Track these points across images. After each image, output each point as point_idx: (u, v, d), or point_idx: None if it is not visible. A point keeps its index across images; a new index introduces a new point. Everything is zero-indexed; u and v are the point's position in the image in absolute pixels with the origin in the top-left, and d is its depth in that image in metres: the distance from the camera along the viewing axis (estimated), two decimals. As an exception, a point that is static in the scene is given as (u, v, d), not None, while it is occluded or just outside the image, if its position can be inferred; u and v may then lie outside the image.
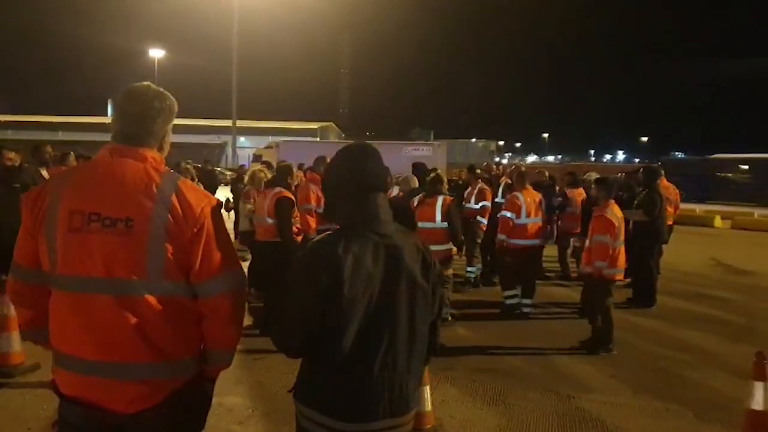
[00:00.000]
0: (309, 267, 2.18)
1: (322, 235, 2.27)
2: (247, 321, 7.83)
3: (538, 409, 5.24)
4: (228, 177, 27.51)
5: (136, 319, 2.12)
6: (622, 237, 6.92)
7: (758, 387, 3.73)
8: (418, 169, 9.82)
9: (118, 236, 2.12)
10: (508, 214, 8.34)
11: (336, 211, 2.33)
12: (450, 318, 7.78)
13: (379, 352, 2.19)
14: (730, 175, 40.77)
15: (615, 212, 6.98)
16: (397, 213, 2.46)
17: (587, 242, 7.14)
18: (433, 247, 7.08)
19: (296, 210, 7.40)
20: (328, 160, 8.59)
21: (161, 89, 2.34)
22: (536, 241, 8.44)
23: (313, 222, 8.33)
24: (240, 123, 48.04)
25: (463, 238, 7.70)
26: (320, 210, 8.27)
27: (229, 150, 50.82)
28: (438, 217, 7.33)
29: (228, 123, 47.58)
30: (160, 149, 2.32)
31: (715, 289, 10.97)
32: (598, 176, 9.11)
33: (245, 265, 8.81)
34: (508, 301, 8.51)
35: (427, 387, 4.61)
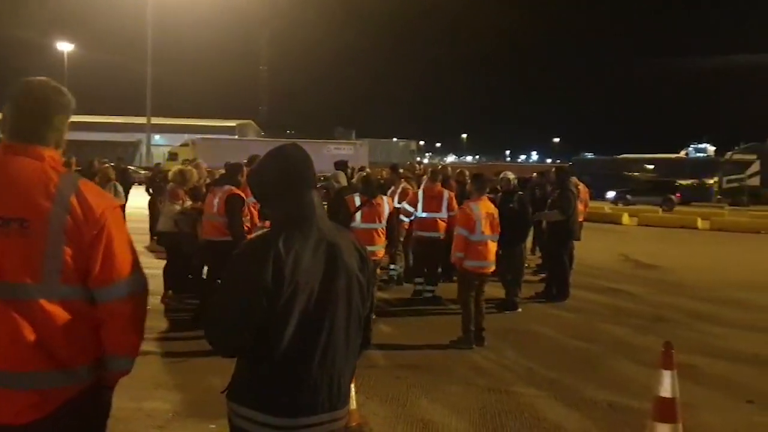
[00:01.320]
0: (250, 263, 2.17)
1: (260, 232, 2.27)
2: (164, 324, 7.66)
3: (461, 403, 5.35)
4: (142, 176, 26.70)
5: (29, 324, 2.01)
6: (486, 231, 7.07)
7: (666, 375, 3.93)
8: (341, 167, 9.86)
9: (10, 237, 2.01)
10: (409, 207, 9.21)
11: (272, 209, 2.34)
12: (374, 316, 7.83)
13: (318, 346, 2.21)
14: (636, 174, 42.72)
15: (482, 208, 7.16)
16: (333, 209, 2.51)
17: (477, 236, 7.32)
18: (374, 248, 7.22)
19: (247, 208, 7.32)
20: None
21: (59, 85, 2.25)
22: (438, 234, 9.09)
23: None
24: (155, 120, 46.66)
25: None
26: None
27: (143, 148, 49.31)
28: (385, 217, 7.43)
29: (142, 120, 46.13)
30: (57, 147, 2.20)
31: (625, 283, 11.48)
32: (513, 175, 9.41)
33: (161, 267, 8.62)
34: (417, 288, 9.28)
35: (352, 385, 4.62)
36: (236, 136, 61.79)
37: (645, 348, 7.00)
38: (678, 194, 33.52)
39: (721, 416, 5.17)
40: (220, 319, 2.19)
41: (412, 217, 9.35)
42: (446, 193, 9.28)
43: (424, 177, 11.10)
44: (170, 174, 9.20)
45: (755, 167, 38.79)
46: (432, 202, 9.12)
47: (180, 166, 9.33)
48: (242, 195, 7.17)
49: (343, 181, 9.34)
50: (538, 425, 4.94)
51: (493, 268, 7.30)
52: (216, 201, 7.21)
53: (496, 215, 7.29)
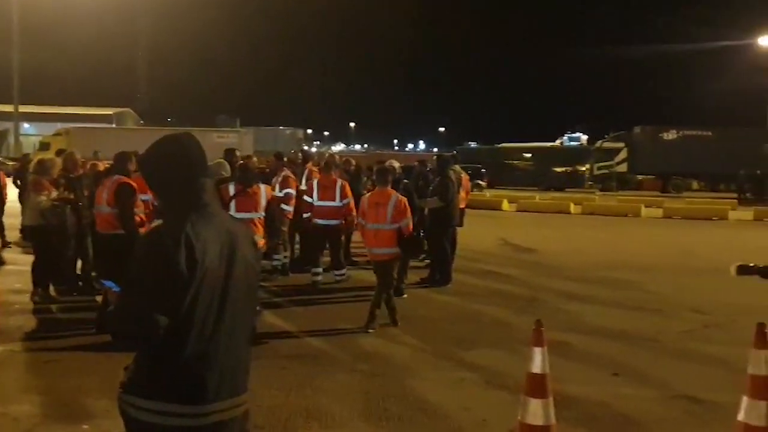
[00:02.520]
0: (163, 248, 2.14)
1: (161, 222, 2.23)
2: (33, 323, 7.24)
3: (345, 390, 5.39)
4: (10, 167, 24.98)
5: None
6: (373, 221, 7.35)
7: (537, 352, 4.12)
8: (229, 156, 9.65)
9: None
10: (308, 199, 9.49)
11: (170, 197, 2.33)
12: (258, 307, 7.71)
13: (224, 333, 2.22)
14: (515, 162, 44.41)
15: (373, 197, 7.50)
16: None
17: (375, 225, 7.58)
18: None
19: (138, 198, 7.00)
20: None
21: None
22: (334, 221, 9.41)
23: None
24: (23, 108, 43.75)
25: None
26: None
27: (11, 138, 46.13)
28: (262, 207, 7.32)
29: (9, 108, 43.14)
30: None
31: (504, 266, 11.94)
32: (398, 164, 9.57)
33: (29, 264, 8.13)
34: (315, 278, 9.34)
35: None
36: (113, 125, 58.99)
37: (521, 328, 7.32)
38: (487, 179, 35.95)
39: (589, 389, 5.49)
40: (135, 308, 2.12)
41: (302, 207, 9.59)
42: (340, 182, 9.58)
43: (307, 166, 11.06)
44: (31, 165, 8.71)
45: (623, 155, 41.30)
46: (327, 191, 9.42)
47: (41, 156, 8.83)
48: (133, 184, 6.88)
49: (227, 171, 9.13)
50: (420, 407, 5.06)
51: (386, 255, 7.38)
52: (105, 192, 6.92)
53: (393, 204, 7.39)
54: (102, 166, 9.97)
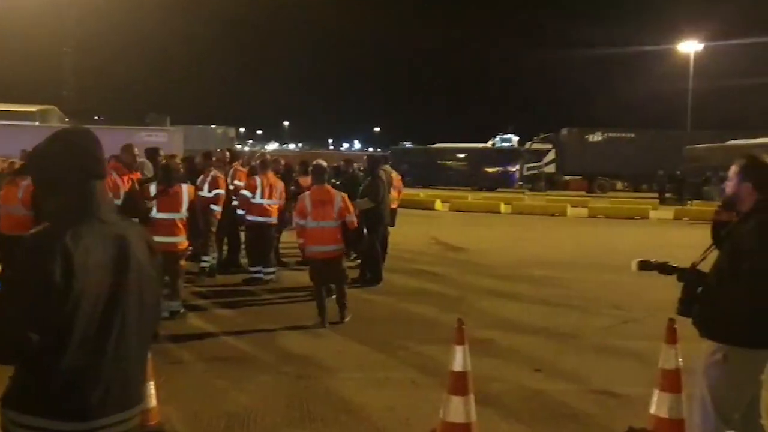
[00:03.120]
0: (36, 258, 1.97)
1: (43, 226, 2.08)
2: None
3: (268, 393, 5.33)
4: None
5: None
6: (318, 218, 7.45)
7: (458, 350, 4.17)
8: (151, 155, 9.41)
9: None
10: (247, 194, 9.57)
11: (51, 198, 2.16)
12: (182, 310, 7.56)
13: (110, 345, 2.08)
14: (449, 162, 44.98)
15: (314, 196, 7.60)
16: (128, 202, 2.37)
17: (314, 223, 7.59)
18: (174, 239, 6.98)
19: None
20: (136, 149, 8.13)
21: None
22: (270, 219, 9.64)
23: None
24: (-65, 104, 41.58)
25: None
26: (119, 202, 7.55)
27: None
28: (184, 207, 7.18)
29: None
30: None
31: (434, 265, 12.07)
32: (325, 164, 9.52)
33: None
34: (255, 276, 9.55)
35: (152, 382, 4.43)
36: (36, 123, 56.73)
37: (448, 326, 7.38)
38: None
39: (511, 385, 5.59)
40: (4, 322, 1.96)
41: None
42: (280, 183, 9.99)
43: (234, 165, 10.91)
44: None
45: (551, 156, 42.43)
46: (267, 189, 9.63)
47: None
48: None
49: (149, 171, 8.92)
50: (345, 408, 5.04)
51: (334, 251, 7.52)
52: (20, 192, 6.66)
53: (339, 201, 7.55)
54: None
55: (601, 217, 23.68)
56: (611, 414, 4.96)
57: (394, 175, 12.30)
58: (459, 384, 4.14)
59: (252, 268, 9.70)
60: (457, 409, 4.12)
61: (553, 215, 24.17)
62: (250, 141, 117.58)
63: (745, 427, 3.48)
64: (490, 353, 6.39)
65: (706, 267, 3.53)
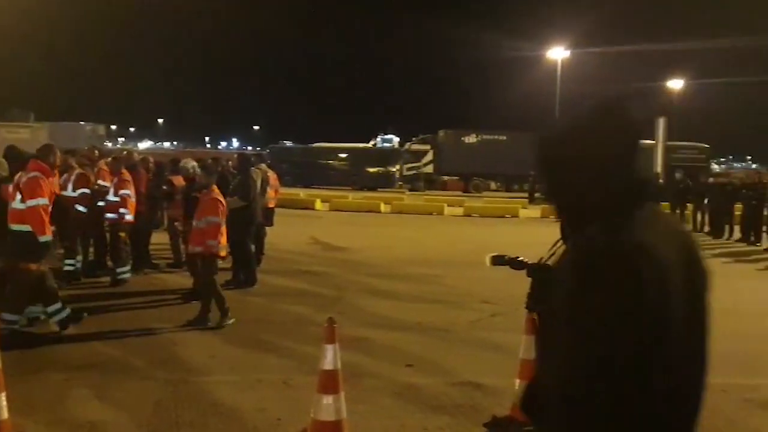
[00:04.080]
0: None
1: None
2: None
3: (135, 399, 5.14)
4: None
5: None
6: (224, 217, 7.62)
7: (328, 349, 4.21)
8: (8, 153, 8.80)
9: None
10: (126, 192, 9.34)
11: None
12: (43, 317, 7.13)
13: None
14: (330, 162, 45.02)
15: (219, 195, 7.71)
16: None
17: (196, 223, 7.57)
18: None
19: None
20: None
21: None
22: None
23: (46, 218, 6.81)
24: None
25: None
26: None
27: None
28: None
29: None
30: None
31: (313, 265, 12.05)
32: (195, 163, 9.30)
33: None
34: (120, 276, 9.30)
35: (3, 393, 4.17)
36: None
37: (323, 325, 7.41)
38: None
39: (383, 381, 5.70)
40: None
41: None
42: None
43: (98, 163, 10.40)
44: None
45: (429, 156, 43.46)
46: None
47: None
48: None
49: (7, 170, 8.34)
50: (215, 411, 4.95)
51: (214, 248, 7.59)
52: None
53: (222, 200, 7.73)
54: None
55: (475, 216, 24.52)
56: (477, 404, 5.16)
57: (271, 174, 12.16)
58: (329, 382, 4.18)
59: (119, 270, 9.35)
60: (327, 407, 4.15)
61: (431, 214, 24.77)
62: (122, 138, 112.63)
63: None
64: (364, 351, 6.48)
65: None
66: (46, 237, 6.74)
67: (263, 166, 11.78)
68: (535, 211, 25.56)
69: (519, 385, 4.64)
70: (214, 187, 7.79)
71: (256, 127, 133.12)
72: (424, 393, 5.44)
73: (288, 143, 61.45)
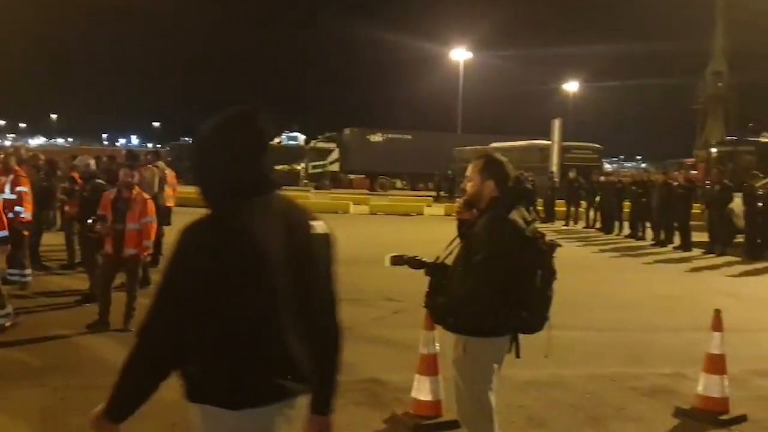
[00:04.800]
0: None
1: None
2: None
3: (20, 408, 4.87)
4: None
5: None
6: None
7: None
8: None
9: None
10: None
11: None
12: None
13: None
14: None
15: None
16: None
17: (131, 225, 7.28)
18: None
19: None
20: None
21: None
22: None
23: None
24: None
25: None
26: None
27: None
28: None
29: None
30: None
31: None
32: (92, 160, 8.93)
33: None
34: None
35: None
36: None
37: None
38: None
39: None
40: None
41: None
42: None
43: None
44: None
45: (335, 154, 43.47)
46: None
47: None
48: None
49: None
50: (107, 418, 4.76)
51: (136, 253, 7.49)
52: None
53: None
54: None
55: (381, 214, 24.73)
56: (377, 401, 5.20)
57: (169, 172, 11.82)
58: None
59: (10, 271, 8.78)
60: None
61: (336, 213, 24.77)
62: (12, 135, 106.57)
63: None
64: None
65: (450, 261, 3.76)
66: None
67: (161, 163, 11.46)
68: (439, 209, 26.04)
69: (417, 380, 4.71)
70: (137, 186, 7.60)
71: (156, 124, 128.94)
72: (325, 391, 5.42)
73: (189, 140, 59.91)
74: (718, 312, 5.14)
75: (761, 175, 16.84)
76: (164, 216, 11.01)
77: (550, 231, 19.02)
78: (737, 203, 15.88)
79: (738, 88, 55.44)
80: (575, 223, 22.52)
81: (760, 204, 15.19)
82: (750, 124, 34.55)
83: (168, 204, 11.37)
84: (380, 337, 7.21)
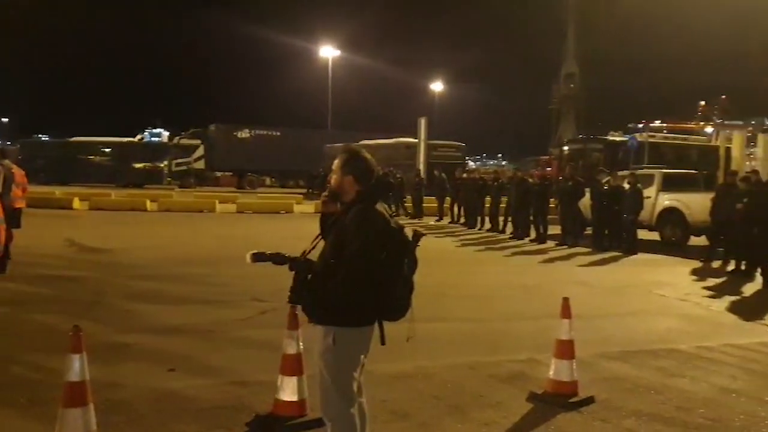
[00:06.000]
0: None
1: None
2: None
3: None
4: None
5: None
6: None
7: (74, 359, 3.86)
8: None
9: None
10: None
11: None
12: None
13: None
14: (92, 157, 41.91)
15: None
16: None
17: None
18: None
19: None
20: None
21: None
22: None
23: None
24: None
25: None
26: None
27: None
28: None
29: None
30: None
31: (69, 269, 11.14)
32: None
33: None
34: None
35: None
36: None
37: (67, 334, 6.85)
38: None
39: (141, 389, 5.38)
40: None
41: None
42: None
43: None
44: None
45: (200, 151, 42.24)
46: None
47: None
48: None
49: None
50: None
51: None
52: None
53: None
54: None
55: (249, 212, 24.30)
56: (240, 403, 5.09)
57: (17, 171, 11.01)
58: (76, 395, 3.86)
59: None
60: (74, 421, 3.83)
61: (201, 212, 24.10)
62: None
63: None
64: (123, 358, 6.11)
65: (315, 256, 3.77)
66: None
67: (7, 162, 10.65)
68: (309, 207, 25.96)
69: (281, 380, 4.66)
70: None
71: (4, 120, 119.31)
72: (184, 397, 5.24)
73: (43, 137, 56.20)
74: (566, 300, 5.45)
75: (607, 171, 18.11)
76: (13, 218, 10.25)
77: (419, 227, 19.51)
78: (587, 198, 16.99)
79: (588, 89, 59.28)
80: (441, 219, 23.22)
81: (606, 199, 16.35)
82: (599, 123, 37.04)
83: (17, 206, 10.61)
84: (247, 339, 7.07)
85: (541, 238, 17.19)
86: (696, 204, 16.18)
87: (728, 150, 30.64)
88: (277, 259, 3.71)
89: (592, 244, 16.40)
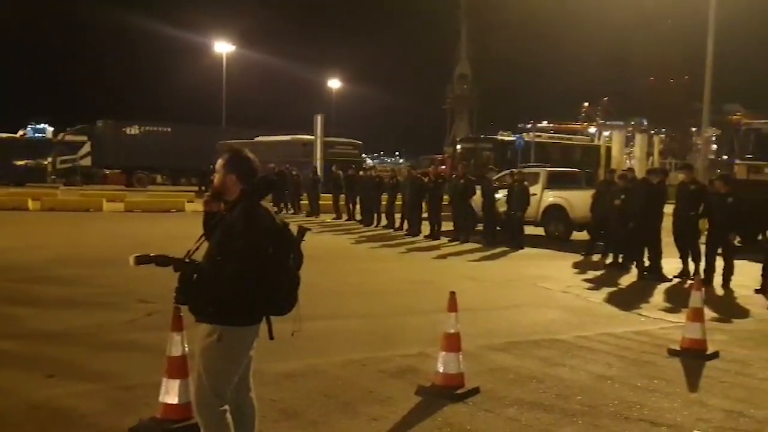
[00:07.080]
0: None
1: None
2: None
3: None
4: None
5: None
6: None
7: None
8: None
9: None
10: None
11: None
12: None
13: None
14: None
15: None
16: None
17: None
18: None
19: None
20: None
21: None
22: None
23: None
24: None
25: None
26: None
27: None
28: None
29: None
30: None
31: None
32: None
33: None
34: None
35: None
36: None
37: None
38: None
39: (16, 398, 5.11)
40: None
41: None
42: None
43: None
44: None
45: (87, 148, 40.35)
46: None
47: None
48: None
49: None
50: None
51: None
52: None
53: None
54: None
55: (138, 211, 23.48)
56: (123, 408, 4.93)
57: None
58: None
59: None
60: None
61: (88, 211, 23.07)
62: None
63: (237, 401, 3.79)
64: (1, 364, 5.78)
65: (199, 256, 3.72)
66: None
67: None
68: (201, 205, 25.35)
69: (165, 383, 4.55)
70: None
71: None
72: (62, 404, 5.02)
73: None
74: (453, 294, 5.62)
75: (496, 170, 18.73)
76: None
77: (314, 224, 19.48)
78: (478, 195, 17.52)
79: (481, 90, 61.07)
80: (339, 217, 23.28)
81: (497, 196, 16.93)
82: (491, 123, 38.31)
83: None
84: (132, 342, 6.85)
85: (435, 235, 17.57)
86: (577, 201, 17.02)
87: (609, 149, 32.44)
88: (161, 260, 3.64)
89: (483, 240, 16.93)
